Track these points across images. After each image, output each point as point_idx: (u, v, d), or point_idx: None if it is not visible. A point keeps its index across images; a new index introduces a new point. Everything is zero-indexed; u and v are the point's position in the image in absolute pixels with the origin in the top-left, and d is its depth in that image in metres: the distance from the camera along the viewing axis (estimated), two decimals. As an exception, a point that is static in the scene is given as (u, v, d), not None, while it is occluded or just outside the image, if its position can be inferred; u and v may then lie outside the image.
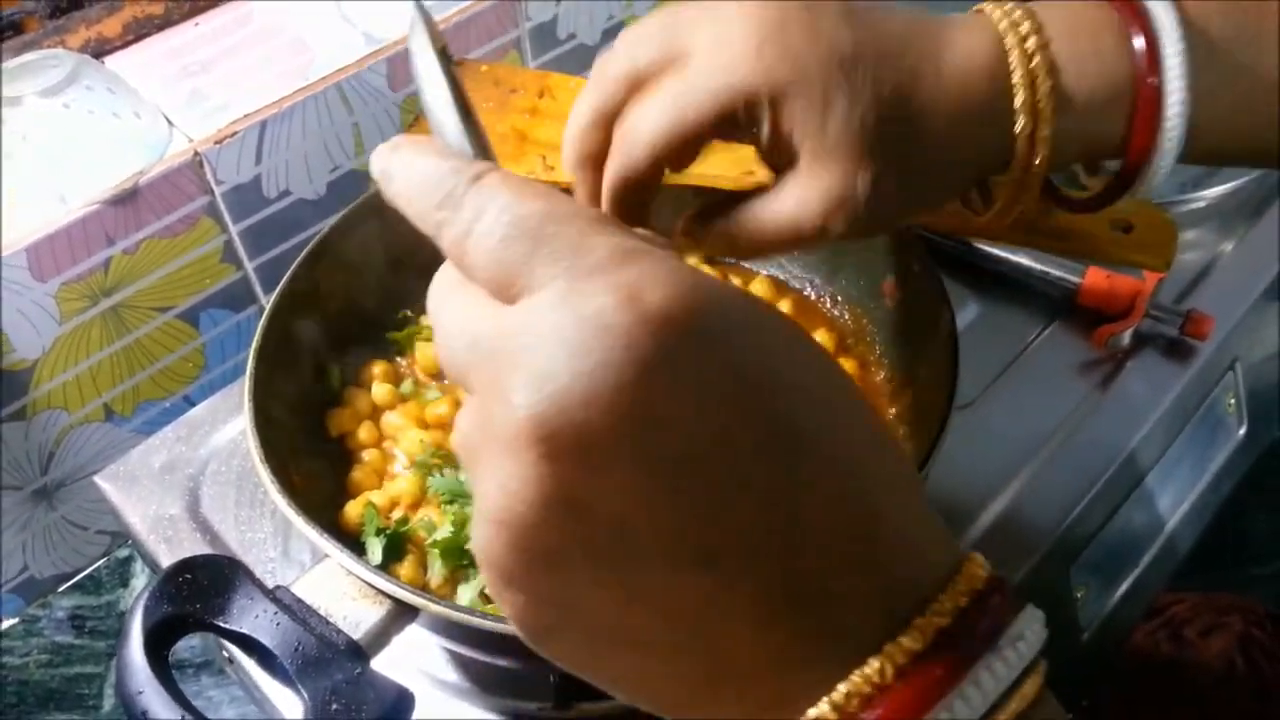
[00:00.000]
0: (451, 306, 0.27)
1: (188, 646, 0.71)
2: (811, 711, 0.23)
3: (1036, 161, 0.40)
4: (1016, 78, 0.39)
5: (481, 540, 0.25)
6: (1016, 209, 0.43)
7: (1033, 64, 0.39)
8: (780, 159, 0.40)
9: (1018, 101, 0.39)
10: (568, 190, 0.63)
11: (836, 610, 0.24)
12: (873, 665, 0.23)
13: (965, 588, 0.24)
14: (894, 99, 0.38)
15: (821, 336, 0.63)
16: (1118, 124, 0.40)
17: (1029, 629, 0.25)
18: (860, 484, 0.24)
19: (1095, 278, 0.70)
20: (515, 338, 0.24)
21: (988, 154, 0.41)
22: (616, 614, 0.24)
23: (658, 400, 0.23)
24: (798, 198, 0.40)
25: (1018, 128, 0.39)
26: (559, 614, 0.25)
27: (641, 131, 0.40)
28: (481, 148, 0.31)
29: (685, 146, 0.40)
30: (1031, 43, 0.39)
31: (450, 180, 0.27)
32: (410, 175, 0.29)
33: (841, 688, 0.23)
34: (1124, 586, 0.68)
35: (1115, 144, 0.41)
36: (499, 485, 0.24)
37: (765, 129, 0.39)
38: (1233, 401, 0.75)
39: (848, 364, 0.62)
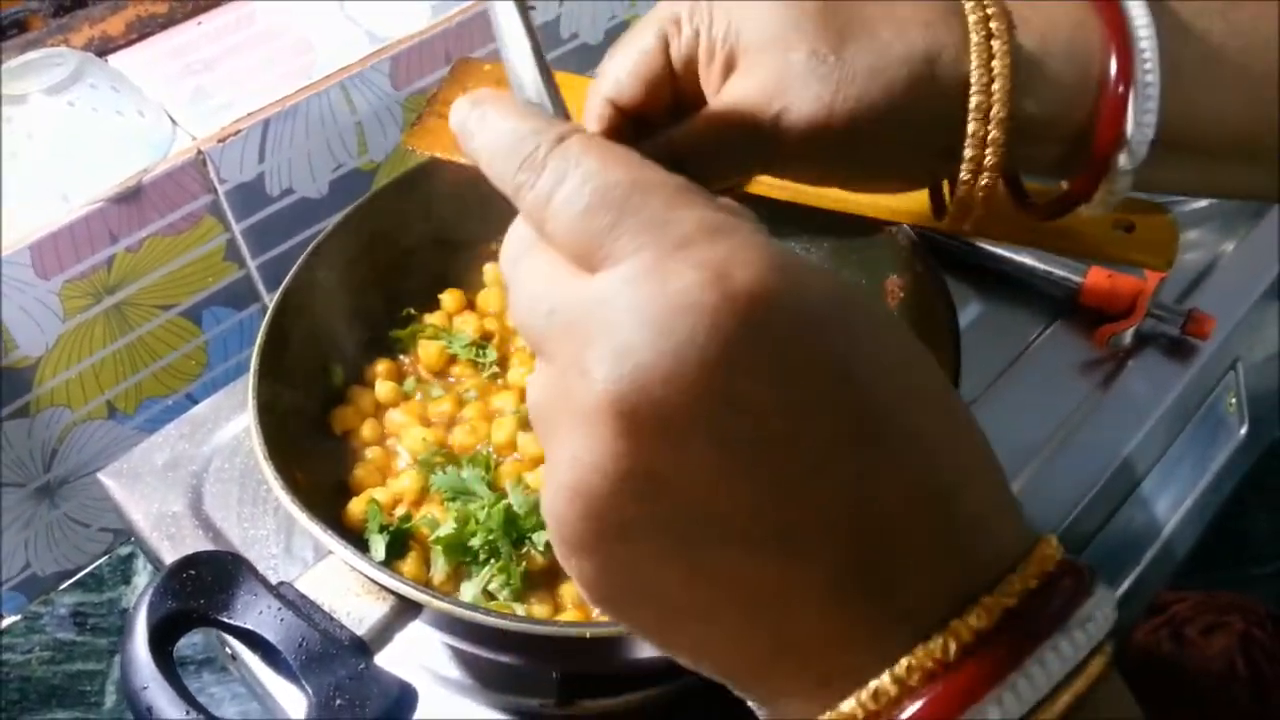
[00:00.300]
0: (529, 269, 0.26)
1: (190, 643, 0.71)
2: (873, 683, 0.23)
3: (990, 138, 0.37)
4: (973, 21, 0.37)
5: (553, 508, 0.25)
6: (980, 185, 0.40)
7: (989, 23, 0.37)
8: (723, 73, 0.38)
9: (973, 48, 0.37)
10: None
11: (908, 590, 0.24)
12: (936, 641, 0.23)
13: (1036, 569, 0.24)
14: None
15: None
16: (1076, 113, 0.38)
17: (1099, 611, 0.25)
18: (939, 467, 0.24)
19: (1097, 277, 0.71)
20: (597, 310, 0.24)
21: (940, 97, 0.38)
22: (684, 588, 0.24)
23: (739, 380, 0.23)
24: (738, 87, 0.38)
25: (972, 66, 0.37)
26: (626, 584, 0.25)
27: (605, 67, 0.40)
28: (560, 105, 0.30)
29: (646, 75, 0.39)
30: (993, 12, 0.37)
31: (531, 141, 0.27)
32: (490, 134, 0.28)
33: (904, 661, 0.23)
34: (1125, 585, 0.69)
35: (1068, 136, 0.39)
36: (574, 456, 0.24)
37: (702, 42, 0.38)
38: (1234, 401, 0.75)
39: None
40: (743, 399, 0.23)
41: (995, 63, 0.37)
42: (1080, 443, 0.65)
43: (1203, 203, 0.78)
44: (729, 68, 0.38)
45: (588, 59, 0.87)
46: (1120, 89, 0.37)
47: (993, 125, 0.38)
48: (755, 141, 0.38)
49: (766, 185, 0.61)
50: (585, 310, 0.24)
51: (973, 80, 0.37)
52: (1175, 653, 0.79)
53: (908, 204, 0.58)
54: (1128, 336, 0.69)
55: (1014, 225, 0.55)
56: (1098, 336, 0.70)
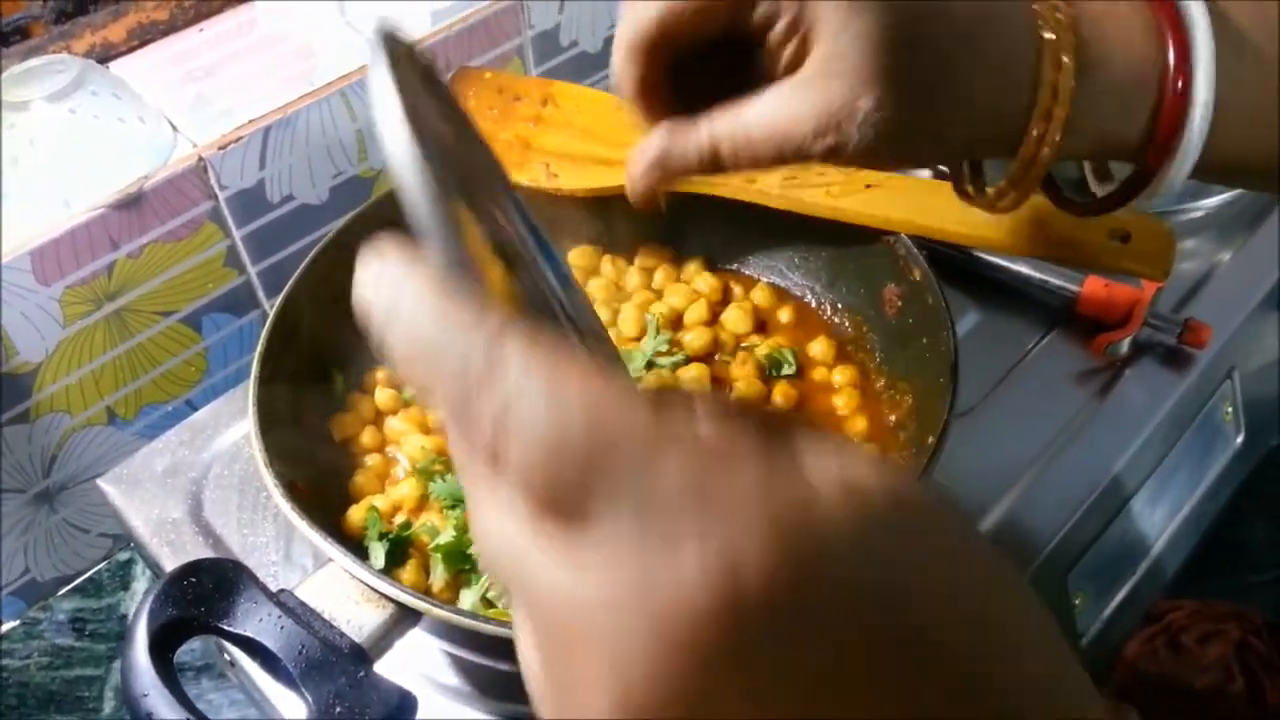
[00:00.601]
0: (488, 505, 0.22)
1: (188, 650, 0.71)
2: None
3: (1048, 137, 0.38)
4: (1047, 34, 0.37)
5: None
6: (1015, 195, 0.41)
7: (1059, 29, 0.37)
8: (785, 60, 0.37)
9: (1044, 74, 0.37)
10: (572, 198, 0.64)
11: None
12: None
13: None
14: (920, 23, 0.36)
15: (821, 344, 0.63)
16: (1138, 115, 0.39)
17: None
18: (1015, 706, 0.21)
19: (1094, 286, 0.71)
20: (589, 613, 0.20)
21: (1003, 118, 0.38)
22: None
23: (765, 683, 0.19)
24: (793, 106, 0.36)
25: (1040, 87, 0.37)
26: None
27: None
28: (457, 240, 0.24)
29: (698, 14, 0.38)
30: (1062, 14, 0.37)
31: (459, 346, 0.22)
32: (405, 329, 0.23)
33: None
34: (1121, 594, 0.69)
35: (1131, 139, 0.39)
36: None
37: (784, 18, 0.36)
38: (1230, 410, 0.75)
39: (847, 371, 0.62)
40: (769, 699, 0.20)
41: (1062, 63, 0.37)
42: (1077, 451, 0.66)
43: (1199, 212, 0.78)
44: (796, 63, 0.37)
45: (588, 67, 0.87)
46: (1179, 84, 0.38)
47: (1031, 180, 0.39)
48: (789, 151, 0.37)
49: (764, 194, 0.61)
50: (575, 609, 0.20)
51: (1026, 143, 0.38)
52: (1171, 661, 0.79)
53: (904, 214, 0.59)
54: (1124, 346, 0.70)
55: (1013, 233, 0.56)
56: (1094, 346, 0.70)
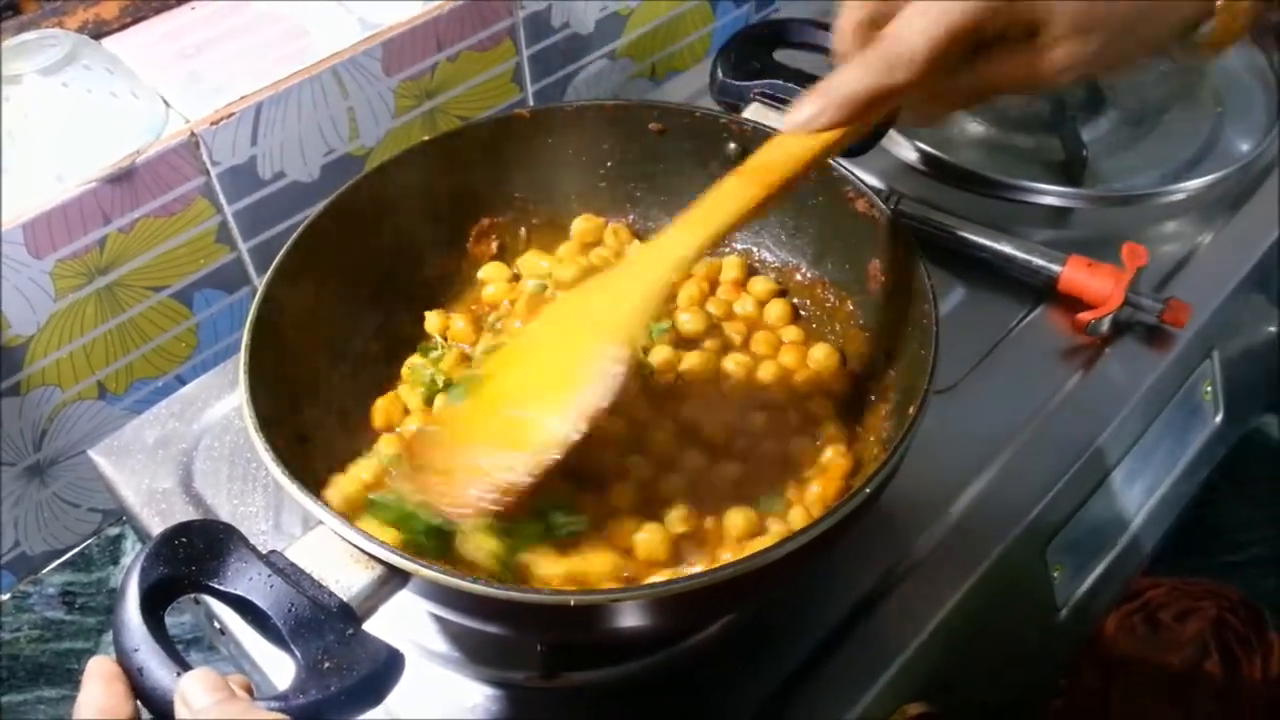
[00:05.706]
0: None
1: (177, 622, 0.72)
2: None
3: None
4: None
5: None
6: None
7: None
8: (1017, 32, 0.48)
9: None
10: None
11: None
12: None
13: None
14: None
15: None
16: None
17: None
18: None
19: (1076, 265, 0.72)
20: None
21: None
22: None
23: None
24: (1042, 57, 0.48)
25: None
26: None
27: (914, 32, 0.46)
28: None
29: (956, 44, 0.46)
30: None
31: None
32: None
33: None
34: (1100, 568, 0.70)
35: None
36: None
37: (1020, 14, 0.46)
38: (1209, 389, 0.76)
39: (826, 347, 0.63)
40: None
41: None
42: (1057, 428, 0.67)
43: (1181, 194, 0.79)
44: (1028, 32, 0.48)
45: (580, 49, 0.88)
46: None
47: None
48: (1035, 86, 0.49)
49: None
50: None
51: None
52: (1149, 637, 0.80)
53: None
54: (1106, 324, 0.70)
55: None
56: (1076, 323, 0.71)
